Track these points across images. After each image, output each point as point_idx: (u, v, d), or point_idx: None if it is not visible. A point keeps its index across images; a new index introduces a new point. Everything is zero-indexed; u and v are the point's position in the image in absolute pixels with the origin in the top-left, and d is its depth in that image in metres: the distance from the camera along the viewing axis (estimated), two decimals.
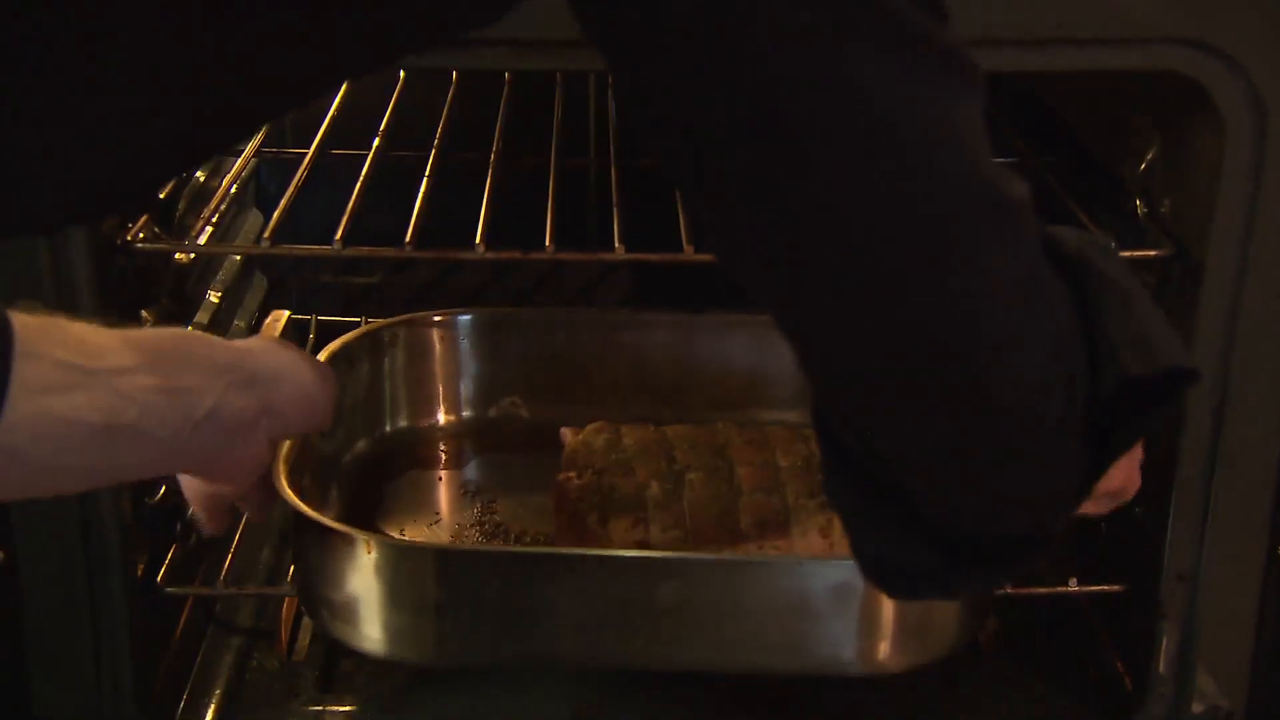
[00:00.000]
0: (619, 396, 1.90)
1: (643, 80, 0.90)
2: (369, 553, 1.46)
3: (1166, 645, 1.57)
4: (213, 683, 1.68)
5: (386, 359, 1.88)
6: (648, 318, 1.92)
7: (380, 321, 1.88)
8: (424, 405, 1.91)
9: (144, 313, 1.59)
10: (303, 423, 1.25)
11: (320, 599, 1.52)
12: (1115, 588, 1.64)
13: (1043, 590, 1.69)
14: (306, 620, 1.77)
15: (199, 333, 1.24)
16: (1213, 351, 1.48)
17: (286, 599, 1.74)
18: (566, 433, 1.77)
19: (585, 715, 1.65)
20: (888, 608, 1.48)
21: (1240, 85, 1.39)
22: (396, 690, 1.69)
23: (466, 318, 1.92)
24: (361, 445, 1.85)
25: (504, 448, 1.89)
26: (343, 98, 1.87)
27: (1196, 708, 1.57)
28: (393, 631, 1.50)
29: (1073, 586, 1.66)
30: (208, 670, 1.70)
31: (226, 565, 1.69)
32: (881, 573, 1.06)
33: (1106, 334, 0.98)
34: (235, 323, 2.02)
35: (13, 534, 1.48)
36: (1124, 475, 1.25)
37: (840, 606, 1.47)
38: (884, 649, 1.50)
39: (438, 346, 1.91)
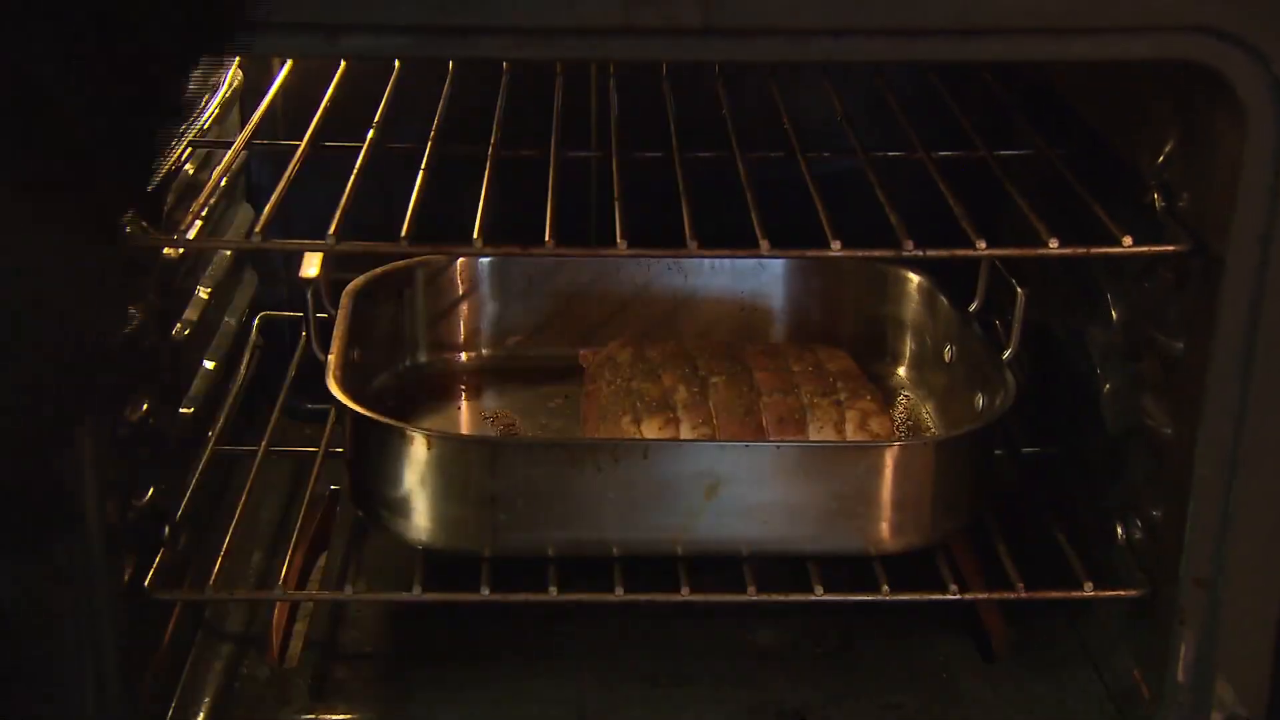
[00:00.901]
0: (621, 329, 2.03)
1: None
2: (429, 448, 1.59)
3: (1185, 652, 1.54)
4: (202, 690, 1.65)
5: (406, 296, 2.02)
6: (647, 260, 2.06)
7: (402, 262, 2.00)
8: (442, 341, 2.06)
9: (131, 308, 1.55)
10: None
11: (378, 497, 1.66)
12: (1132, 593, 1.61)
13: (1057, 594, 1.66)
14: (298, 626, 1.74)
15: None
16: (1233, 349, 1.44)
17: (278, 604, 1.70)
18: (586, 354, 1.95)
19: None
20: (888, 493, 1.65)
21: (1262, 75, 1.36)
22: (391, 699, 1.65)
23: (485, 260, 2.05)
24: (384, 378, 1.99)
25: (519, 380, 2.03)
26: (335, 89, 1.84)
27: (1216, 717, 1.54)
28: (450, 523, 1.65)
29: (1088, 591, 1.62)
30: (197, 677, 1.66)
31: (216, 570, 1.65)
32: None
33: None
34: (225, 319, 1.99)
35: None
36: None
37: (859, 487, 1.65)
38: (886, 529, 1.67)
39: (458, 285, 2.06)
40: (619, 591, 1.63)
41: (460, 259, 2.04)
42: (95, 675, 1.49)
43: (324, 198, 1.55)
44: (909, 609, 1.74)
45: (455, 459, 1.64)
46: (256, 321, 2.10)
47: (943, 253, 1.57)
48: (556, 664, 1.70)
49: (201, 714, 1.62)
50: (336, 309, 1.87)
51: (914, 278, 2.01)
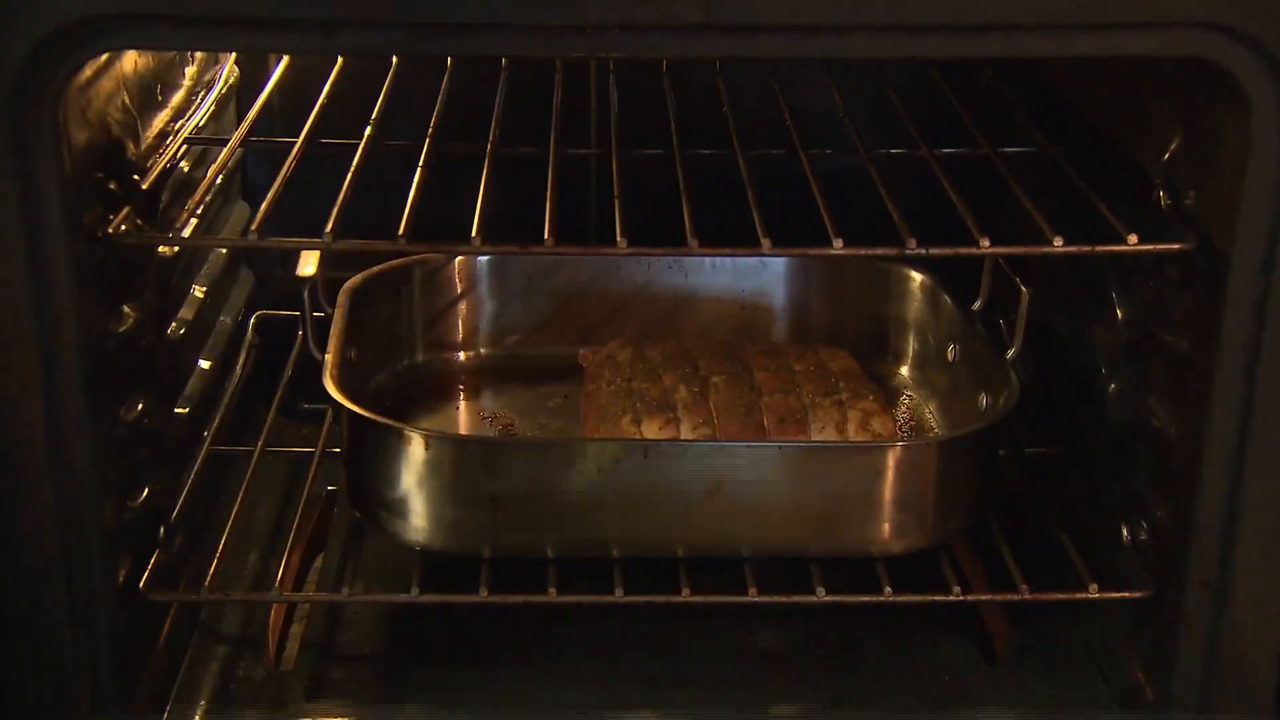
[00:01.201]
0: (621, 328, 2.03)
1: None
2: (427, 448, 1.59)
3: (1190, 654, 1.52)
4: (198, 692, 1.64)
5: (403, 295, 2.01)
6: (647, 259, 2.05)
7: (399, 261, 1.99)
8: (441, 340, 2.05)
9: (126, 307, 1.54)
10: None
11: (376, 498, 1.66)
12: (1137, 594, 1.59)
13: (1061, 596, 1.65)
14: (295, 628, 1.73)
15: None
16: (1239, 348, 1.43)
17: (274, 605, 1.69)
18: (586, 354, 1.95)
19: None
20: (890, 494, 1.64)
21: (1267, 70, 1.35)
22: (388, 700, 1.64)
23: (483, 259, 2.04)
24: (381, 378, 1.98)
25: (518, 379, 2.02)
26: (333, 85, 1.83)
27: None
28: (448, 524, 1.64)
29: (1092, 593, 1.61)
30: (193, 679, 1.65)
31: (212, 571, 1.64)
32: None
33: None
34: (221, 318, 1.98)
35: None
36: None
37: (861, 488, 1.64)
38: (888, 530, 1.66)
39: (456, 283, 2.05)
40: (619, 593, 1.62)
41: (458, 257, 2.02)
42: (90, 676, 1.48)
43: (321, 195, 1.53)
44: (911, 611, 1.73)
45: (454, 459, 1.62)
46: (253, 320, 2.09)
47: (946, 251, 1.56)
48: (555, 665, 1.69)
49: (197, 716, 1.60)
50: (333, 308, 1.86)
51: (917, 276, 2.00)
